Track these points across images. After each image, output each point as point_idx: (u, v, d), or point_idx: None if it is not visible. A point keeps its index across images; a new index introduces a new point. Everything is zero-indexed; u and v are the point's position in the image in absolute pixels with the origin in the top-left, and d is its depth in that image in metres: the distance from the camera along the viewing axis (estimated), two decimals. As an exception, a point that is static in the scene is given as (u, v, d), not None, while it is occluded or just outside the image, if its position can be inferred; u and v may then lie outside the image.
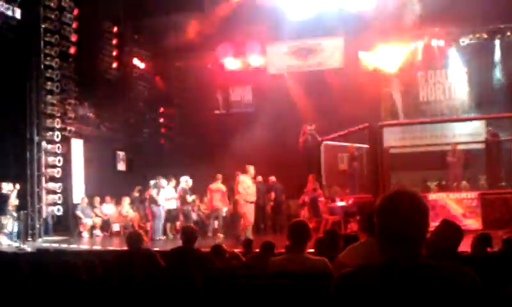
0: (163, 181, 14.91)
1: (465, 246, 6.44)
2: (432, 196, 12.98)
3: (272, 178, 15.52)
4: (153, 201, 14.20)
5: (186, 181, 14.56)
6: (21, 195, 13.95)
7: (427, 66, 18.69)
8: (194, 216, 15.01)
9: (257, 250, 6.60)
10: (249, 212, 12.76)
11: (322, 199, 14.34)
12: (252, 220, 12.90)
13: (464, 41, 17.81)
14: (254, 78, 19.92)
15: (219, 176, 14.57)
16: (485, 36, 17.67)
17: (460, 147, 15.69)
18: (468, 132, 17.57)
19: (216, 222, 14.76)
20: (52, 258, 7.61)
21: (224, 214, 14.95)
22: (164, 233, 14.76)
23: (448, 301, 1.82)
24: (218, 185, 14.51)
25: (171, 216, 14.84)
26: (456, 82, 18.63)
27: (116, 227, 15.93)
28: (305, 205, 14.65)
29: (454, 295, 1.82)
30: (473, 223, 12.27)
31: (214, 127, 20.20)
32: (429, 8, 15.92)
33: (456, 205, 12.61)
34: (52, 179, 15.05)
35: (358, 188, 15.20)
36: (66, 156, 15.66)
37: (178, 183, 14.87)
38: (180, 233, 8.17)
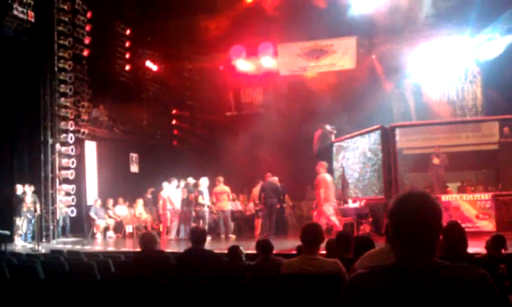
0: (174, 183, 15.02)
1: (480, 248, 6.42)
2: (445, 197, 12.91)
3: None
4: (189, 203, 14.37)
5: (195, 182, 14.64)
6: (35, 196, 14.07)
7: (439, 67, 18.57)
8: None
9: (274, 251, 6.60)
10: None
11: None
12: None
13: (477, 40, 17.67)
14: (265, 79, 19.93)
15: (221, 178, 14.62)
16: (498, 35, 17.53)
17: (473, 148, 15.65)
18: (482, 133, 17.46)
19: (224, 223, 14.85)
20: (66, 259, 7.67)
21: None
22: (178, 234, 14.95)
23: (463, 302, 1.81)
24: (222, 187, 14.58)
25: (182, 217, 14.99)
26: (469, 82, 18.50)
27: (129, 228, 16.01)
28: (317, 207, 14.66)
29: (469, 296, 1.81)
30: (486, 225, 12.19)
31: (225, 128, 20.25)
32: (442, 7, 15.84)
33: (470, 206, 12.53)
34: (66, 181, 15.14)
35: (370, 190, 15.12)
36: (80, 158, 15.75)
37: (187, 184, 15.01)
38: (189, 234, 8.19)
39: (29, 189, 13.92)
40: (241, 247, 6.59)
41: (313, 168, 16.21)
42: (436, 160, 15.36)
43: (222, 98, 21.32)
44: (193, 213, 14.66)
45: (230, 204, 14.87)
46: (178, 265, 6.20)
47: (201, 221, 14.23)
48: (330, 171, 16.03)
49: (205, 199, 14.38)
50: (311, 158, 16.62)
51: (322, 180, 12.40)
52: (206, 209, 14.49)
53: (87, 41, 15.93)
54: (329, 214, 12.38)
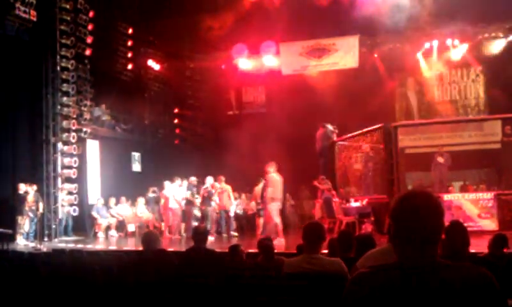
0: (177, 182, 15.07)
1: (482, 247, 6.41)
2: (447, 197, 12.89)
3: None
4: (190, 202, 14.45)
5: (212, 184, 14.66)
6: (38, 196, 14.08)
7: (442, 66, 18.56)
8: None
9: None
10: None
11: (336, 199, 14.32)
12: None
13: (480, 39, 17.66)
14: (267, 78, 19.92)
15: (222, 177, 14.64)
16: (501, 34, 17.52)
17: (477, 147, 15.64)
18: (484, 132, 17.43)
19: (225, 222, 14.87)
20: (68, 258, 7.68)
21: (233, 214, 15.03)
22: (179, 233, 15.02)
23: (465, 302, 1.80)
24: (223, 186, 14.58)
25: (183, 216, 15.04)
26: (471, 81, 18.49)
27: (131, 227, 16.01)
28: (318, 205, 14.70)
29: (471, 296, 1.81)
30: (488, 224, 12.19)
31: (227, 128, 20.24)
32: (445, 7, 15.82)
33: (472, 206, 12.52)
34: (68, 180, 15.16)
35: (372, 189, 15.13)
36: (82, 157, 15.76)
37: (190, 183, 15.06)
38: (192, 233, 8.21)
39: (31, 188, 13.93)
40: (242, 247, 6.60)
41: (316, 167, 16.27)
42: (440, 159, 15.36)
43: (224, 97, 21.33)
44: (198, 213, 14.69)
45: (231, 203, 14.87)
46: (180, 264, 6.19)
47: (206, 221, 14.26)
48: (332, 170, 16.06)
49: (212, 199, 14.48)
50: (313, 157, 16.64)
51: (270, 180, 12.57)
52: (211, 208, 14.54)
53: (89, 40, 15.94)
54: (274, 214, 12.53)
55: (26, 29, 14.08)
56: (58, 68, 14.96)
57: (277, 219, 12.42)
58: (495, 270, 1.96)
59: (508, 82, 16.62)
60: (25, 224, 13.78)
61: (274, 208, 12.48)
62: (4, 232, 11.63)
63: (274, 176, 12.65)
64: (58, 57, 14.96)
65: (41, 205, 13.84)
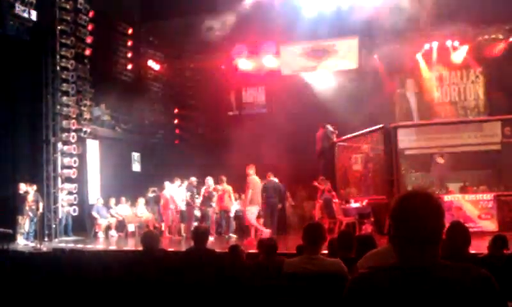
0: (177, 182, 15.08)
1: (482, 248, 6.42)
2: (447, 197, 12.90)
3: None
4: (190, 203, 14.54)
5: (215, 187, 14.69)
6: (38, 195, 14.08)
7: (442, 67, 18.56)
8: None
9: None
10: None
11: (336, 200, 14.32)
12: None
13: (480, 41, 17.66)
14: (267, 79, 19.91)
15: (224, 177, 14.63)
16: (500, 36, 17.52)
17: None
18: (484, 133, 17.42)
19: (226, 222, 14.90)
20: (68, 258, 7.68)
21: (232, 214, 15.04)
22: (179, 233, 15.02)
23: (465, 302, 1.81)
24: (225, 187, 14.58)
25: (183, 217, 15.04)
26: (471, 82, 18.48)
27: (131, 227, 16.01)
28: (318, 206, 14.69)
29: (471, 296, 1.81)
30: (488, 225, 12.20)
31: (227, 128, 20.24)
32: (444, 8, 15.82)
33: (472, 207, 12.53)
34: (68, 180, 15.16)
35: (372, 189, 15.13)
36: (82, 157, 15.77)
37: (190, 184, 15.07)
38: (192, 233, 8.21)
39: (31, 188, 13.93)
40: (242, 247, 6.60)
41: (316, 168, 16.26)
42: (440, 160, 15.37)
43: (224, 98, 21.30)
44: (197, 213, 14.70)
45: (232, 204, 14.87)
46: (180, 264, 6.19)
47: (205, 221, 14.27)
48: (332, 171, 16.06)
49: (213, 200, 14.50)
50: (313, 157, 16.63)
51: (251, 182, 12.65)
52: (212, 209, 14.55)
53: (89, 40, 15.95)
54: (250, 217, 12.59)
55: (26, 29, 14.07)
56: (58, 68, 14.96)
57: (254, 222, 12.58)
58: (494, 271, 1.96)
59: (508, 84, 16.58)
60: (25, 224, 13.79)
61: (252, 211, 12.61)
62: (4, 232, 11.63)
63: (255, 179, 12.70)
64: (58, 57, 14.97)
65: (41, 205, 13.85)
